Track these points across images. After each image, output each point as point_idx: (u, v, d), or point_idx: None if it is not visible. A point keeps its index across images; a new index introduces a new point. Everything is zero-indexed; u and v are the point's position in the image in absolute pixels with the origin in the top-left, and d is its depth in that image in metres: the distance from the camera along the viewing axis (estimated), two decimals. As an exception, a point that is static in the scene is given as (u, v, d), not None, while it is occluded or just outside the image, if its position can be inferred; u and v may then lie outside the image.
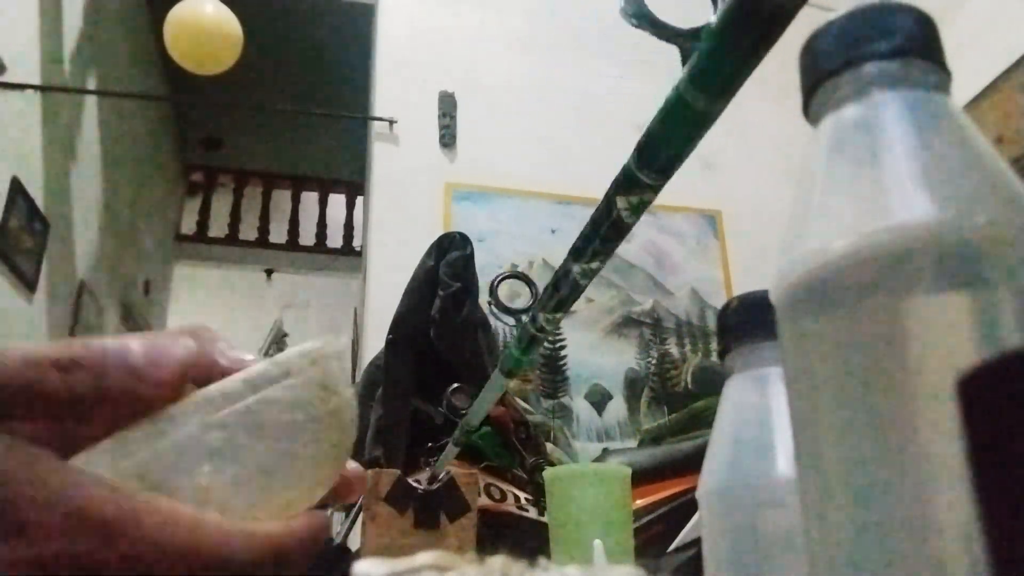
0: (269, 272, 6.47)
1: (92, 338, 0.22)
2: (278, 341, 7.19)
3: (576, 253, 0.52)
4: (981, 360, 0.17)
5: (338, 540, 1.34)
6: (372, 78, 3.14)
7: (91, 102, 3.64)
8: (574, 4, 3.24)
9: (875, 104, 0.20)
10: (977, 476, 0.16)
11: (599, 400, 2.66)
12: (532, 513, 1.25)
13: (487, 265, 2.63)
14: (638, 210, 0.45)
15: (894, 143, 0.19)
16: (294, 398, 0.25)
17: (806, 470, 0.20)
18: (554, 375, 2.63)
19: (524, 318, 0.67)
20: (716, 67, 0.33)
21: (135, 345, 0.22)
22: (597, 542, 0.70)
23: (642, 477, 1.82)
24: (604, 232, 0.48)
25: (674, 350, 2.81)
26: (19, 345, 0.21)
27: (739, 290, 3.28)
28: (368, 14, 3.41)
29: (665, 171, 0.41)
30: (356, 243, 5.91)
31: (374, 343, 2.06)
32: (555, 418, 2.57)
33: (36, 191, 3.06)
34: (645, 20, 0.34)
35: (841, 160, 0.20)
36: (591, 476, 0.79)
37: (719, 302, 2.88)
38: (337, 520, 1.59)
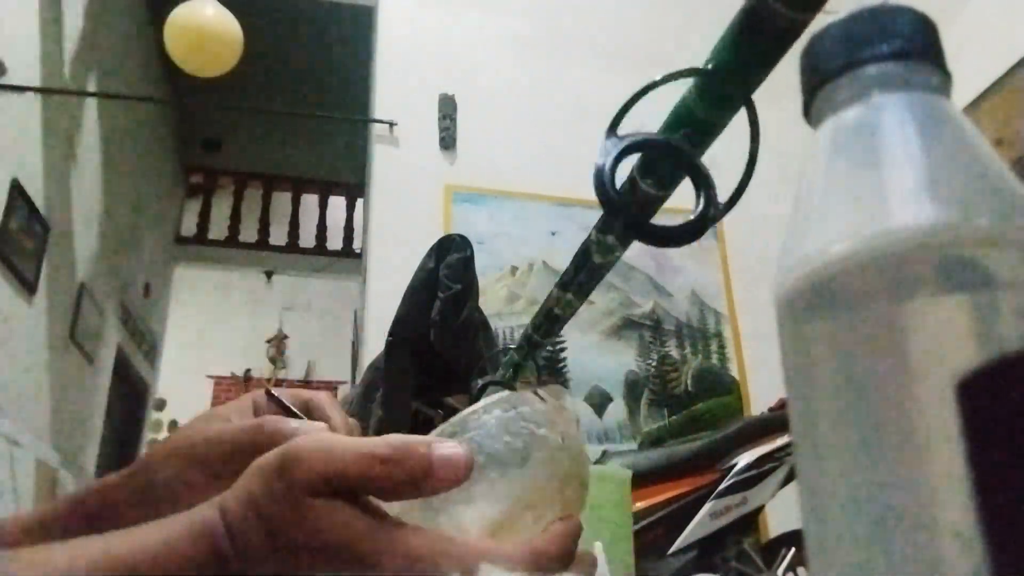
0: (269, 274, 6.48)
1: (395, 436, 0.31)
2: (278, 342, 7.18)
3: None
4: (981, 362, 0.17)
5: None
6: (372, 80, 3.14)
7: (91, 104, 3.64)
8: (575, 6, 3.25)
9: (875, 106, 0.20)
10: (977, 476, 0.16)
11: (599, 402, 2.66)
12: (532, 515, 1.25)
13: (487, 267, 2.63)
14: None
15: (894, 146, 0.19)
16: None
17: (807, 471, 0.20)
18: (554, 377, 2.63)
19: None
20: (723, 84, 0.33)
21: (424, 449, 0.32)
22: (597, 544, 0.70)
23: (642, 479, 1.82)
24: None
25: (674, 352, 2.81)
26: (340, 437, 0.32)
27: (739, 292, 3.23)
28: (368, 16, 3.41)
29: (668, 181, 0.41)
30: (356, 245, 5.91)
31: (374, 345, 2.06)
32: (555, 420, 2.57)
33: (36, 193, 3.06)
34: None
35: (841, 163, 0.20)
36: (591, 478, 0.79)
37: (719, 304, 2.88)
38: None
